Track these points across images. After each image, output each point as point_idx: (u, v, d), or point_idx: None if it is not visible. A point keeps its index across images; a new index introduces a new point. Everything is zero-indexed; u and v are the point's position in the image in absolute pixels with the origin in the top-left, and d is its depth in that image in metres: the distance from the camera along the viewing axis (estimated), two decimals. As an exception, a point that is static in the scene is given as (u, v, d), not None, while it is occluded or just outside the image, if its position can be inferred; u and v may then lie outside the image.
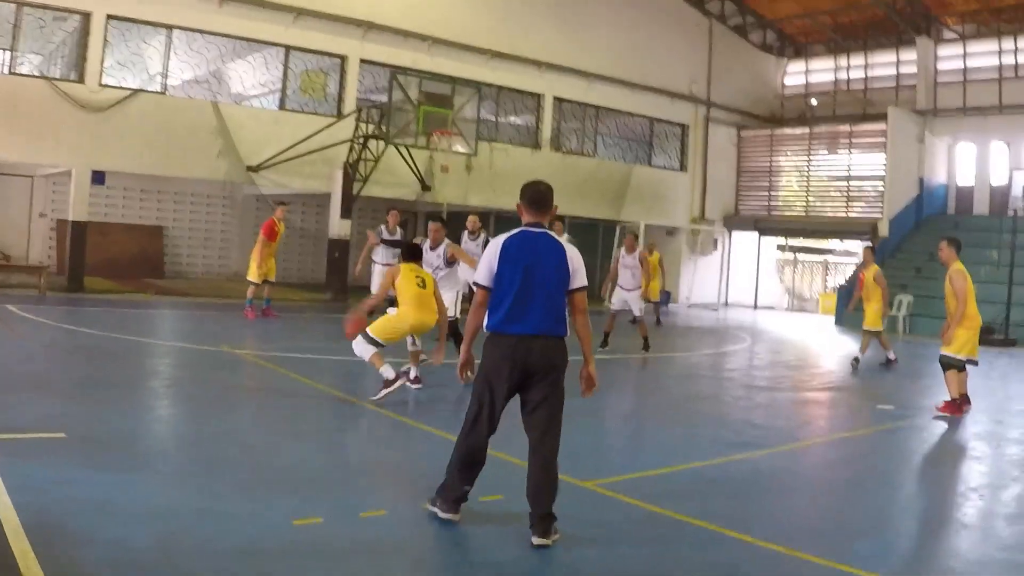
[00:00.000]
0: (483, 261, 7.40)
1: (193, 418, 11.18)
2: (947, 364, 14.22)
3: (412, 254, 13.38)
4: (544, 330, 7.27)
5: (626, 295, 20.62)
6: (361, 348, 12.44)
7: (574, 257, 7.38)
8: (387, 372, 12.23)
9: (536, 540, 7.03)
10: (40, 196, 31.45)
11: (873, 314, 21.08)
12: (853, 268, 36.82)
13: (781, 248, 43.19)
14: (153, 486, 7.98)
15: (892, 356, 21.13)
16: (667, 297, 36.79)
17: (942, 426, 13.60)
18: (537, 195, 7.52)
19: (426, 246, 15.28)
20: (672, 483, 9.41)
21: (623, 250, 20.66)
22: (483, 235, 19.80)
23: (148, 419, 10.71)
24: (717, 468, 10.19)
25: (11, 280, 25.57)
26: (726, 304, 39.97)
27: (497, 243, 7.36)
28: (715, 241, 40.92)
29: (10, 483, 7.46)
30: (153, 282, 29.24)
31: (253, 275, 22.21)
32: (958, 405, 14.06)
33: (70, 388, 12.25)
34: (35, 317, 19.38)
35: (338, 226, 29.05)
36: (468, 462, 7.44)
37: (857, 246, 39.72)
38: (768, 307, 41.41)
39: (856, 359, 20.55)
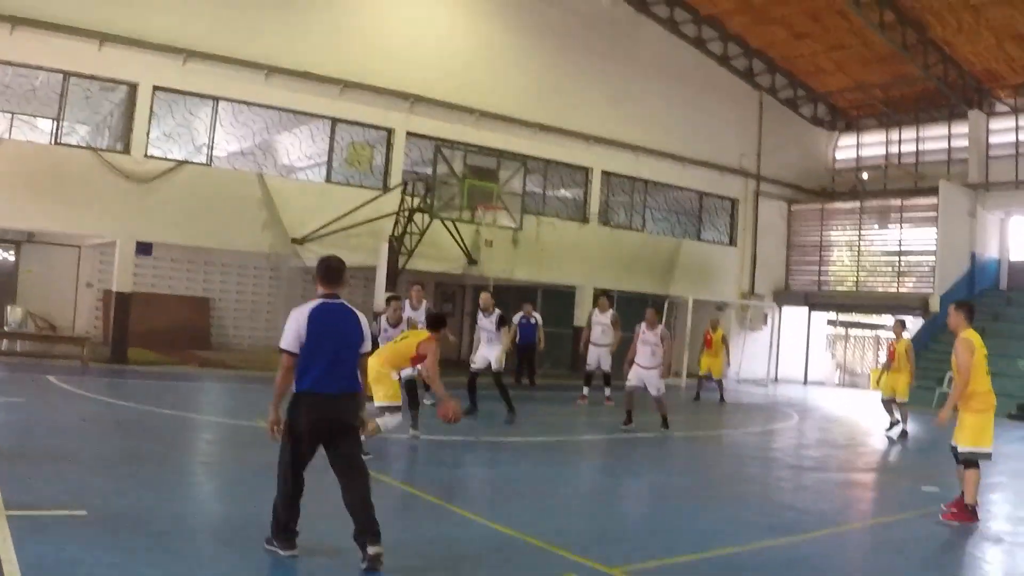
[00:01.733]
0: (290, 330, 8.35)
1: (219, 498, 10.97)
2: (968, 461, 11.95)
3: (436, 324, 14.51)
4: (346, 388, 8.43)
5: (643, 373, 19.42)
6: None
7: (366, 325, 8.64)
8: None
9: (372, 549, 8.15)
10: (87, 266, 31.56)
11: (904, 386, 21.62)
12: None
13: (832, 323, 42.79)
14: (169, 568, 7.78)
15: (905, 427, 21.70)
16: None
17: (987, 510, 12.80)
18: (328, 270, 8.65)
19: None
20: (701, 571, 9.12)
21: (643, 326, 19.72)
22: (496, 312, 19.97)
23: (172, 498, 10.37)
24: (751, 554, 9.81)
25: (55, 350, 25.53)
26: (776, 380, 39.45)
27: (302, 313, 8.38)
28: (765, 316, 40.47)
29: (24, 561, 7.35)
30: (198, 354, 29.11)
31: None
32: (974, 512, 11.89)
33: (98, 463, 12.03)
34: (74, 389, 19.27)
35: (384, 300, 28.87)
36: (288, 504, 8.39)
37: (911, 322, 39.32)
38: (818, 383, 40.88)
39: (904, 431, 20.66)
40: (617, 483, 14.34)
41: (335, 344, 8.37)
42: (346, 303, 8.62)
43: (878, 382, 24.21)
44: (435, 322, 14.64)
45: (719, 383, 28.64)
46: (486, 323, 20.01)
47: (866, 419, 22.90)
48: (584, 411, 21.28)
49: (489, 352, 19.93)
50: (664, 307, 34.47)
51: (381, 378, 13.70)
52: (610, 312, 24.33)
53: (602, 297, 24.85)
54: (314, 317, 8.36)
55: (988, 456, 12.07)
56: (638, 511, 12.30)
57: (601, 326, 24.09)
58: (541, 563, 8.87)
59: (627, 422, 19.24)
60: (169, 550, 8.31)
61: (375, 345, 13.56)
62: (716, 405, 27.30)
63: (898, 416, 21.87)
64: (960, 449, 12.04)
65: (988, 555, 10.60)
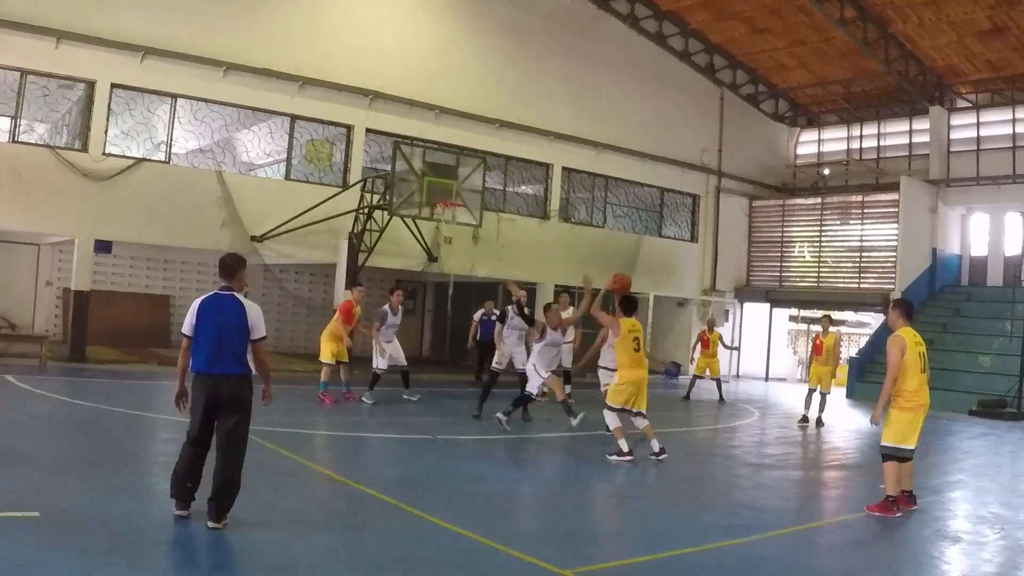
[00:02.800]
0: (187, 317, 9.49)
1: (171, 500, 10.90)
2: (884, 455, 12.26)
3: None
4: (232, 371, 9.39)
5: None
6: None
7: (253, 314, 9.52)
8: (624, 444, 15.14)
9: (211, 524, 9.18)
10: (46, 264, 31.38)
11: (828, 377, 23.02)
12: (866, 339, 36.56)
13: (793, 319, 42.88)
14: (123, 571, 7.75)
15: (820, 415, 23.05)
16: (676, 369, 36.52)
17: (946, 508, 13.06)
18: (222, 266, 9.73)
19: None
20: (655, 572, 9.12)
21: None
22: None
23: (127, 499, 10.29)
24: (707, 555, 9.80)
25: (13, 349, 25.32)
26: (737, 376, 39.58)
27: (195, 303, 9.51)
28: (726, 312, 40.57)
29: (-28, 564, 7.22)
30: (157, 352, 28.97)
31: (325, 356, 21.11)
32: (893, 504, 12.10)
33: (53, 464, 11.95)
34: (32, 388, 19.14)
35: (343, 297, 28.77)
36: (186, 470, 9.50)
37: (871, 318, 39.43)
38: (780, 379, 40.97)
39: (819, 419, 22.87)
40: (573, 482, 14.30)
41: (218, 332, 9.36)
42: (236, 295, 9.63)
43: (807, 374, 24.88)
44: (628, 305, 15.89)
45: (717, 382, 28.71)
46: (519, 322, 20.21)
47: (826, 416, 22.92)
48: (544, 408, 21.23)
49: (518, 351, 20.33)
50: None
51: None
52: (571, 309, 24.29)
53: (563, 294, 24.84)
54: (203, 307, 9.46)
55: (907, 453, 12.21)
56: (593, 511, 12.31)
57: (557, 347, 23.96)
58: (493, 564, 8.84)
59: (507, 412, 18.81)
60: (124, 553, 8.23)
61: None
62: (715, 404, 27.37)
63: (811, 410, 23.15)
64: (881, 443, 12.32)
65: (947, 554, 10.56)
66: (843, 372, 23.62)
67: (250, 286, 32.83)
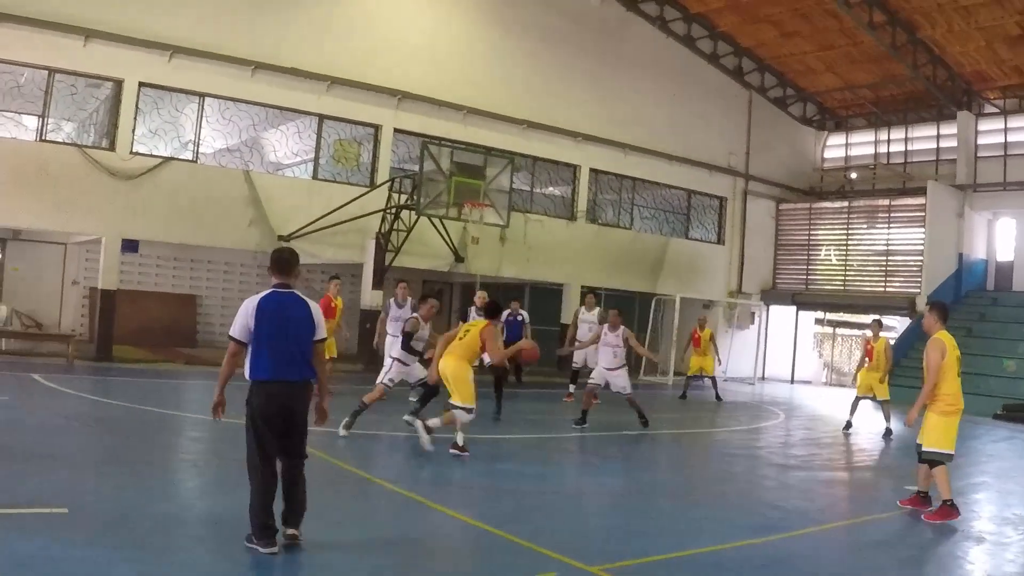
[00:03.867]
0: (238, 318, 8.57)
1: (202, 496, 10.89)
2: (933, 462, 12.10)
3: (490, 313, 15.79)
4: (303, 376, 8.62)
5: (607, 374, 19.24)
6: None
7: (318, 313, 8.78)
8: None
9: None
10: (73, 264, 31.42)
11: (880, 384, 22.41)
12: (892, 343, 36.45)
13: (819, 322, 42.78)
14: (150, 567, 7.74)
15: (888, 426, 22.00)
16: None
17: (970, 510, 12.90)
18: (279, 261, 8.91)
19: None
20: (681, 570, 9.11)
21: (606, 327, 19.55)
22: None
23: (155, 496, 10.31)
24: (732, 553, 9.81)
25: (41, 348, 25.46)
26: (763, 378, 39.48)
27: (252, 302, 8.63)
28: (752, 315, 40.49)
29: (4, 559, 7.35)
30: (184, 351, 29.01)
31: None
32: (953, 507, 11.89)
33: (81, 461, 12.00)
34: (59, 387, 19.18)
35: (370, 297, 28.79)
36: (260, 499, 8.43)
37: (896, 321, 39.29)
38: (805, 381, 40.88)
39: (887, 430, 21.82)
40: (599, 481, 14.29)
41: (284, 333, 8.54)
42: (298, 292, 8.83)
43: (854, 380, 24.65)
44: (492, 311, 15.79)
45: (713, 380, 28.78)
46: (589, 317, 20.56)
47: (852, 418, 22.86)
48: (570, 409, 21.20)
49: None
50: (650, 306, 34.48)
51: (461, 380, 14.54)
52: (597, 310, 24.30)
53: (589, 295, 24.85)
54: (263, 306, 8.59)
55: (950, 458, 12.13)
56: (620, 510, 12.23)
57: (588, 324, 23.91)
58: (521, 561, 8.85)
59: (581, 421, 18.98)
60: (151, 548, 8.25)
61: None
62: (713, 403, 27.35)
63: (853, 418, 22.75)
64: (923, 449, 12.18)
65: (970, 555, 10.55)
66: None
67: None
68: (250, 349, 8.56)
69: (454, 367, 14.55)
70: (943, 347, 12.00)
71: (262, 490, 8.43)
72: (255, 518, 8.38)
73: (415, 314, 17.46)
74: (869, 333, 23.19)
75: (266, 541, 8.31)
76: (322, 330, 8.80)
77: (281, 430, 8.52)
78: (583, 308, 24.43)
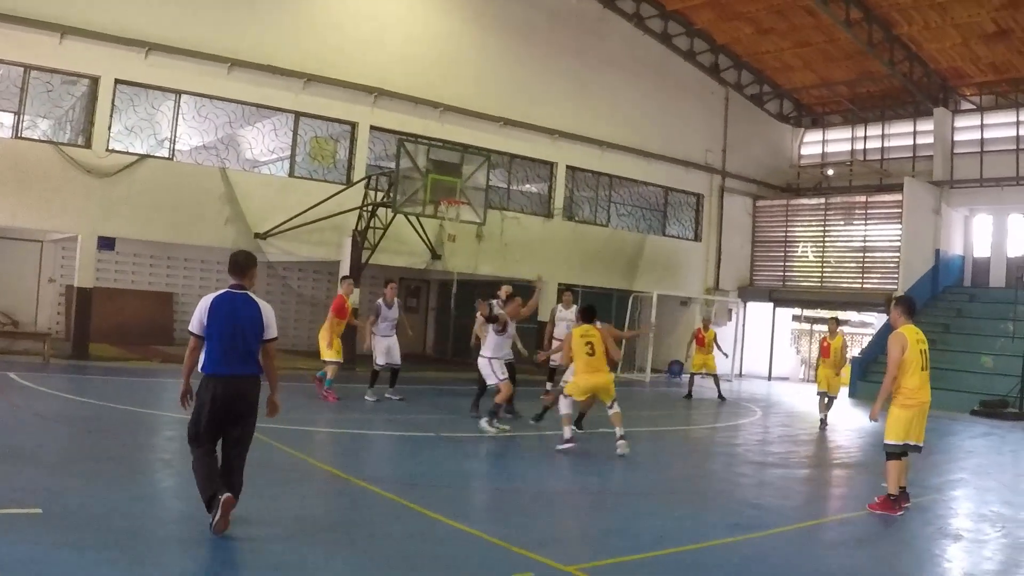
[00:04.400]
0: (195, 315, 9.18)
1: (177, 495, 10.82)
2: (888, 453, 12.30)
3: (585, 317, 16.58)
4: (246, 371, 9.18)
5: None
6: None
7: (268, 314, 9.35)
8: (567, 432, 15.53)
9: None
10: (49, 261, 31.38)
11: (836, 380, 23.07)
12: (869, 339, 36.54)
13: (796, 319, 42.86)
14: (124, 567, 7.73)
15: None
16: (679, 368, 36.46)
17: (948, 507, 13.09)
18: (234, 263, 9.46)
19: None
20: (658, 569, 9.05)
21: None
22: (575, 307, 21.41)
23: (130, 495, 10.27)
24: (709, 552, 9.81)
25: (16, 346, 25.34)
26: (740, 375, 39.58)
27: (206, 300, 9.21)
28: (729, 312, 40.55)
29: (-28, 561, 7.21)
30: (160, 349, 28.94)
31: (330, 354, 20.90)
32: (895, 502, 12.13)
33: (55, 461, 11.90)
34: (34, 385, 19.09)
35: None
36: (210, 479, 8.99)
37: (874, 318, 39.38)
38: (783, 378, 40.97)
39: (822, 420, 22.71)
40: (577, 480, 14.29)
41: (232, 330, 9.11)
42: (250, 293, 9.38)
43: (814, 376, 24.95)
44: (589, 313, 16.64)
45: (715, 379, 28.82)
46: (567, 314, 21.15)
47: (830, 415, 22.91)
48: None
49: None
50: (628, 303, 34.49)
51: (611, 384, 16.06)
52: (574, 308, 24.29)
53: (566, 292, 24.79)
54: (215, 304, 9.17)
55: (917, 450, 12.32)
56: (597, 508, 12.23)
57: (566, 322, 23.84)
58: (497, 561, 8.84)
59: (539, 417, 19.23)
60: (125, 548, 8.22)
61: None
62: (716, 402, 27.42)
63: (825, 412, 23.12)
64: (884, 441, 12.36)
65: (948, 552, 10.57)
66: (846, 372, 23.57)
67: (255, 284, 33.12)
68: (203, 343, 9.17)
69: (607, 378, 15.96)
70: (904, 341, 12.10)
71: (205, 466, 9.10)
72: (204, 493, 9.00)
73: (500, 311, 18.26)
74: (850, 330, 23.51)
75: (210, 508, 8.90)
76: (272, 330, 9.38)
77: (224, 420, 9.09)
78: (560, 306, 24.44)
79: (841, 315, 37.51)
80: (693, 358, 29.14)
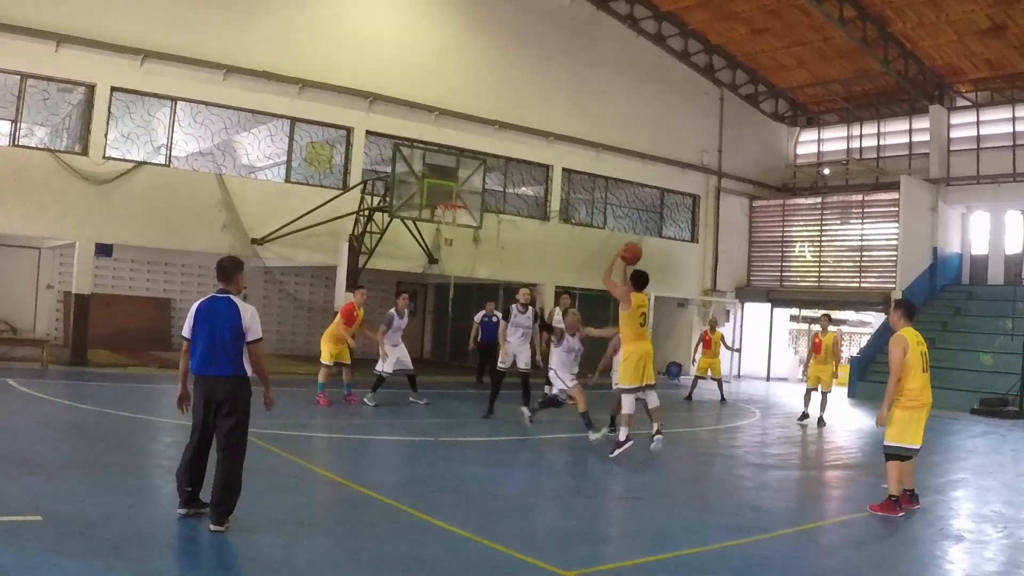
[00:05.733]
0: (186, 320, 9.73)
1: (176, 502, 10.84)
2: (887, 454, 12.36)
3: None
4: (225, 372, 9.54)
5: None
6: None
7: (247, 316, 9.63)
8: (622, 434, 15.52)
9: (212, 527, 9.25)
10: (47, 268, 31.42)
11: (828, 376, 23.33)
12: (867, 339, 36.52)
13: (794, 319, 42.84)
14: (121, 574, 7.74)
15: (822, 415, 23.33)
16: (677, 369, 36.45)
17: (948, 507, 13.07)
18: (220, 268, 9.91)
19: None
20: (658, 573, 9.08)
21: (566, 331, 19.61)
22: (531, 309, 21.16)
23: (129, 502, 10.29)
24: (709, 555, 9.78)
25: (15, 353, 25.32)
26: (738, 376, 39.54)
27: (193, 306, 9.73)
28: (727, 312, 40.55)
29: (-23, 567, 7.22)
30: (158, 355, 28.97)
31: (325, 357, 21.12)
32: (896, 503, 12.12)
33: (54, 468, 11.87)
34: (33, 391, 19.13)
35: (344, 299, 28.67)
36: (185, 470, 9.67)
37: (872, 317, 39.38)
38: (781, 379, 40.93)
39: (820, 419, 23.08)
40: (575, 483, 14.31)
41: (213, 333, 9.53)
42: (233, 298, 9.75)
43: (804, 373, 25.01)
44: (640, 280, 17.00)
45: (719, 382, 28.81)
46: (523, 320, 20.71)
47: (828, 416, 22.92)
48: (545, 410, 21.15)
49: (521, 351, 20.55)
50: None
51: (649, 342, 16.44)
52: (571, 311, 24.25)
53: (564, 295, 24.79)
54: (199, 309, 9.66)
55: (914, 452, 12.31)
56: (596, 512, 12.22)
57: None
58: (497, 566, 8.84)
59: (487, 413, 19.78)
60: (125, 555, 8.23)
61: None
62: (717, 404, 27.41)
63: (811, 408, 23.53)
64: (884, 443, 12.38)
65: (949, 553, 10.54)
66: (844, 372, 23.60)
67: (250, 288, 33.01)
68: (190, 346, 9.70)
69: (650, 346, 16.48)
70: (905, 344, 12.11)
71: (186, 457, 9.72)
72: (177, 481, 9.75)
73: (561, 325, 18.52)
74: (849, 329, 23.51)
75: (181, 502, 9.70)
76: (254, 332, 9.69)
77: (211, 418, 9.59)
78: (557, 308, 24.43)
79: (839, 315, 37.67)
80: (699, 361, 29.14)
